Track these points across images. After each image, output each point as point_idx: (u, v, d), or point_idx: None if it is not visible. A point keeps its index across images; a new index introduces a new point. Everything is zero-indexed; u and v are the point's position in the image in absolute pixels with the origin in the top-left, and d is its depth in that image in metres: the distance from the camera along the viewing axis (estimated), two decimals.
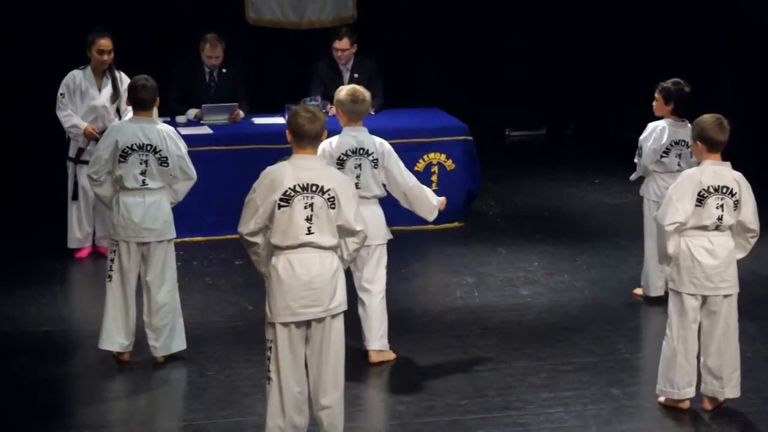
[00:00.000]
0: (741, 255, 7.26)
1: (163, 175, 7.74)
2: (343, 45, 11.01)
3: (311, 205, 6.37)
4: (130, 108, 9.78)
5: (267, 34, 12.76)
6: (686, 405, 7.25)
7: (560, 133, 14.36)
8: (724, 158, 7.19)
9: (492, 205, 11.59)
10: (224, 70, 10.92)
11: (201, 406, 7.34)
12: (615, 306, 9.01)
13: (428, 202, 7.95)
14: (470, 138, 10.91)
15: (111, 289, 7.82)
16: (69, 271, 9.82)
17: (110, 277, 7.81)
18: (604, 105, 13.85)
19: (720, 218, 7.07)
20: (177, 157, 7.76)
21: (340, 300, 6.49)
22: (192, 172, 7.91)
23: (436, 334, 8.48)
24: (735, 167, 7.20)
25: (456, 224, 10.88)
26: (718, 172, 7.09)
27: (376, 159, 7.83)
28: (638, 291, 9.18)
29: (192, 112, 10.77)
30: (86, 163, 9.85)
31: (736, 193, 7.07)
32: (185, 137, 10.19)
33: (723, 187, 7.06)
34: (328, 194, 6.39)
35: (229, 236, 9.77)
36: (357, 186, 7.51)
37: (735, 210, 7.08)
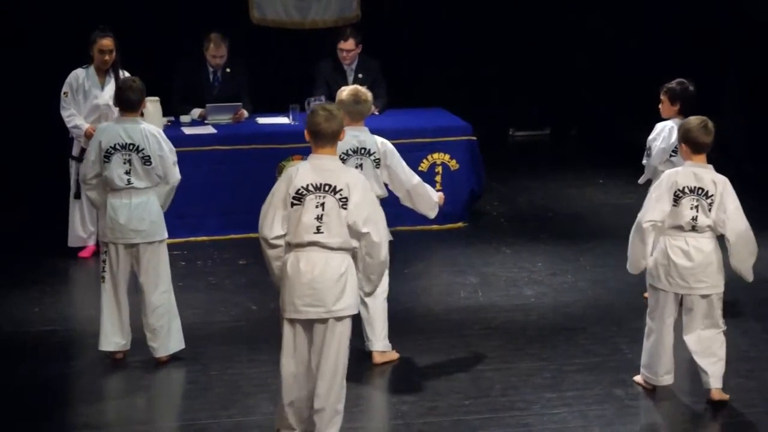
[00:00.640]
0: (750, 258, 7.26)
1: (149, 174, 7.73)
2: (348, 45, 11.01)
3: (323, 204, 6.38)
4: None
5: (271, 34, 12.77)
6: (655, 388, 7.48)
7: (564, 134, 14.35)
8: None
9: (496, 205, 11.59)
10: (228, 70, 10.92)
11: (204, 405, 7.35)
12: (618, 307, 9.01)
13: (430, 199, 7.99)
14: (474, 138, 10.91)
15: (104, 291, 7.86)
16: (71, 271, 9.82)
17: (103, 278, 7.87)
18: (608, 105, 13.83)
19: (694, 218, 7.15)
20: (158, 156, 7.74)
21: (346, 303, 6.46)
22: (171, 177, 7.81)
23: (440, 334, 8.48)
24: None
25: (459, 224, 10.88)
26: (697, 173, 7.19)
27: (378, 159, 7.84)
28: (647, 294, 9.19)
29: (196, 112, 10.78)
30: None
31: (712, 195, 7.14)
32: (189, 137, 10.31)
33: (698, 188, 7.16)
34: (341, 194, 6.39)
35: (233, 236, 9.80)
36: None
37: (710, 212, 7.14)
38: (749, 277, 7.33)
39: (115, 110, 9.73)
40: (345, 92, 7.80)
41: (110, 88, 9.80)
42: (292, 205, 6.38)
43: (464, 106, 11.95)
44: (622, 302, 9.09)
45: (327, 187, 6.39)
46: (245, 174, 10.38)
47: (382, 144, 7.88)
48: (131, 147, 7.68)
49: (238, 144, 10.49)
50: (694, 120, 7.26)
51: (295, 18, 12.80)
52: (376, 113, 10.87)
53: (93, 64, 9.80)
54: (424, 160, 10.71)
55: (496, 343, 8.30)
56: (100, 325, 7.86)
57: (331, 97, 10.17)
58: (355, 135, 7.80)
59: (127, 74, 9.85)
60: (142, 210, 7.72)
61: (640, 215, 7.32)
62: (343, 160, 7.73)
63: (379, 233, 6.48)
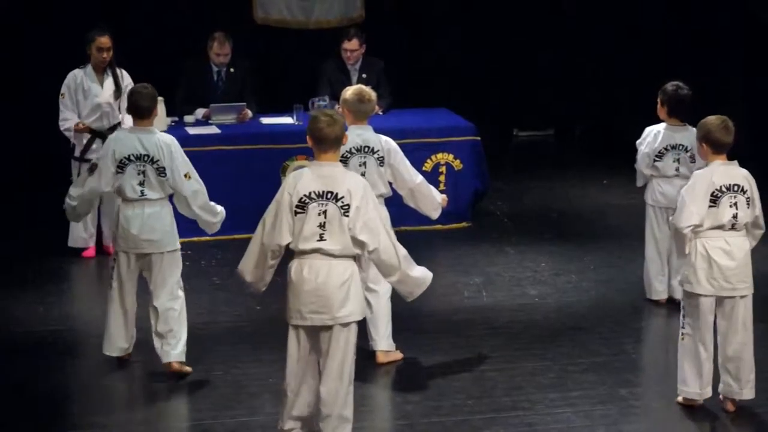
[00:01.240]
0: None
1: (163, 185, 7.63)
2: (352, 45, 11.01)
3: (325, 212, 6.37)
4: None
5: (275, 33, 12.77)
6: (700, 403, 7.25)
7: (568, 134, 14.35)
8: (731, 158, 7.18)
9: (500, 205, 11.59)
10: (232, 70, 10.92)
11: (208, 406, 7.35)
12: (623, 306, 9.01)
13: (433, 199, 8.00)
14: (478, 138, 10.90)
15: (112, 299, 7.80)
16: (74, 271, 9.83)
17: (110, 285, 7.80)
18: (612, 105, 13.83)
19: (735, 216, 7.06)
20: (170, 168, 7.59)
21: (351, 309, 6.44)
22: (181, 189, 7.60)
23: (444, 334, 8.48)
24: (742, 167, 7.20)
25: (463, 224, 10.89)
26: (727, 171, 7.09)
27: (382, 157, 7.85)
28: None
29: (200, 112, 10.78)
30: (90, 161, 9.89)
31: (747, 190, 7.08)
32: (193, 137, 10.31)
33: (734, 185, 7.06)
34: (342, 201, 6.38)
35: (236, 236, 9.79)
36: None
37: (749, 207, 7.09)
38: None
39: (116, 108, 9.85)
40: (349, 92, 7.82)
41: (109, 86, 9.82)
42: (296, 213, 6.38)
43: (468, 106, 11.96)
44: (627, 302, 9.08)
45: (329, 195, 6.39)
46: (249, 174, 10.38)
47: (385, 142, 7.88)
48: (146, 158, 7.57)
49: (242, 144, 10.49)
50: (713, 119, 7.13)
51: (299, 18, 12.80)
52: (380, 113, 10.87)
53: (90, 62, 9.81)
54: (428, 160, 10.70)
55: (500, 343, 8.30)
56: (105, 330, 7.84)
57: (335, 97, 10.17)
58: (359, 133, 7.80)
59: (124, 72, 9.89)
60: (154, 220, 7.64)
61: (675, 221, 7.15)
62: (347, 158, 7.74)
63: (379, 239, 6.44)
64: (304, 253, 6.40)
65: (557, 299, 9.15)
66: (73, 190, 7.84)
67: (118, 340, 7.82)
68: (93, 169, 7.69)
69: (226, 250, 10.03)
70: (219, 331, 8.52)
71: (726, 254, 7.08)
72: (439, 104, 11.63)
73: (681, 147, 8.73)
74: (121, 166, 7.59)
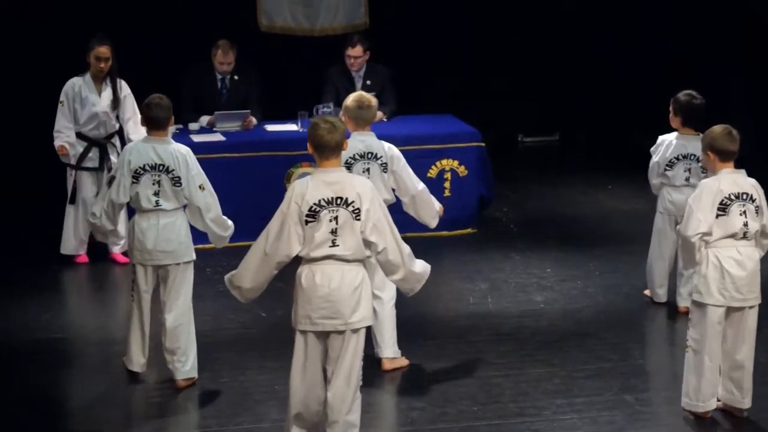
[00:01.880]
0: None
1: (178, 195, 7.61)
2: (356, 52, 11.01)
3: (336, 218, 6.37)
4: (131, 119, 9.88)
5: (279, 40, 12.77)
6: (708, 415, 7.22)
7: (573, 139, 14.35)
8: (738, 167, 7.16)
9: (505, 211, 11.58)
10: (236, 77, 10.93)
11: (214, 413, 7.34)
12: (628, 312, 9.00)
13: (432, 207, 8.02)
14: (482, 144, 10.90)
15: (132, 311, 7.76)
16: (74, 278, 9.85)
17: (132, 297, 7.77)
18: (617, 111, 13.82)
19: (745, 224, 7.03)
20: (185, 178, 7.58)
21: (362, 315, 6.45)
22: (195, 199, 7.59)
23: (450, 340, 8.47)
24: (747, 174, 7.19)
25: (469, 230, 10.88)
26: (736, 179, 7.06)
27: (385, 163, 7.86)
28: (647, 292, 9.19)
29: (205, 119, 10.79)
30: (86, 169, 9.90)
31: (756, 199, 7.05)
32: (198, 144, 10.31)
33: (743, 193, 7.03)
34: (353, 206, 6.38)
35: (241, 243, 9.73)
36: None
37: (758, 215, 7.06)
38: None
39: (114, 118, 9.88)
40: (350, 99, 7.83)
41: (107, 95, 9.85)
42: (307, 222, 6.38)
43: (473, 112, 11.95)
44: (633, 308, 9.07)
45: (339, 200, 6.38)
46: (254, 181, 10.39)
47: (389, 148, 7.89)
48: (161, 168, 7.55)
49: (247, 151, 10.49)
50: (717, 128, 7.11)
51: (304, 25, 12.80)
52: (385, 120, 10.87)
53: (89, 71, 9.83)
54: (433, 167, 10.70)
55: (506, 349, 8.29)
56: (127, 345, 7.79)
57: (340, 104, 10.17)
58: (362, 140, 7.81)
59: (123, 83, 9.90)
60: (169, 231, 7.60)
61: (682, 229, 7.08)
62: (350, 165, 7.74)
63: (386, 239, 6.48)
64: (315, 260, 6.40)
65: (563, 305, 9.14)
66: (95, 208, 7.79)
67: (136, 355, 7.78)
68: (111, 181, 7.69)
69: (232, 257, 9.97)
70: (225, 338, 8.52)
71: (738, 264, 7.04)
72: (443, 110, 11.63)
73: (692, 157, 8.71)
74: (136, 176, 7.57)
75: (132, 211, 7.89)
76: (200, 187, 7.64)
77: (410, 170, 7.96)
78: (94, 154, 9.87)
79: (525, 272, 9.85)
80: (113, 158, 9.76)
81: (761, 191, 7.12)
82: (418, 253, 6.85)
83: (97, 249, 9.93)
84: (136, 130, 9.70)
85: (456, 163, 10.79)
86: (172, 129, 10.27)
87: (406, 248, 6.61)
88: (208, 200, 7.67)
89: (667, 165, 8.78)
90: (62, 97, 9.84)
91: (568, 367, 7.98)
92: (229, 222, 7.82)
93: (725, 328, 7.15)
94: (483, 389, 7.66)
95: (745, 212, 7.03)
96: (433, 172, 10.67)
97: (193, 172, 7.62)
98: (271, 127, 10.84)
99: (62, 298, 9.47)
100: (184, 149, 7.67)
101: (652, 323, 8.96)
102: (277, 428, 6.96)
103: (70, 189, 9.93)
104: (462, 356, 8.18)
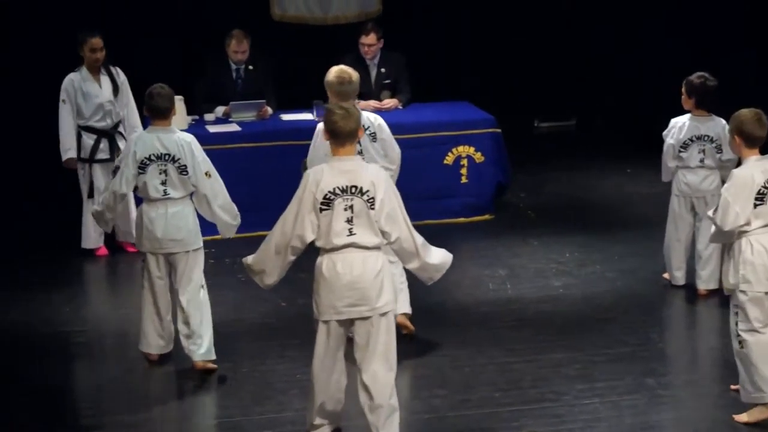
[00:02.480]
0: None
1: (185, 183, 7.64)
2: (369, 40, 10.99)
3: (351, 206, 6.38)
4: (128, 104, 9.92)
5: (292, 29, 12.76)
6: None
7: (590, 124, 14.30)
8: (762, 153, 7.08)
9: (522, 196, 11.56)
10: (250, 67, 10.93)
11: (236, 403, 7.36)
12: (648, 296, 8.98)
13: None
14: (499, 130, 10.88)
15: (144, 299, 7.82)
16: (95, 271, 9.87)
17: (143, 285, 7.82)
18: (634, 94, 13.78)
19: None
20: (192, 166, 7.61)
21: (387, 299, 6.46)
22: (201, 187, 7.63)
23: (469, 327, 8.47)
24: None
25: (486, 216, 10.87)
26: (765, 167, 6.91)
27: (374, 133, 7.92)
28: (666, 275, 9.17)
29: (220, 110, 10.79)
30: (100, 161, 9.92)
31: None
32: (213, 135, 10.32)
33: None
34: (368, 195, 6.39)
35: (259, 233, 9.75)
36: None
37: None
38: None
39: (118, 105, 9.89)
40: (331, 74, 7.78)
41: (107, 84, 9.89)
42: (321, 210, 6.39)
43: (489, 97, 11.93)
44: (652, 292, 9.05)
45: (354, 189, 6.39)
46: (270, 171, 10.38)
47: (375, 118, 8.00)
48: (167, 157, 7.58)
49: (263, 141, 10.50)
50: (747, 112, 6.95)
51: (317, 14, 12.79)
52: (400, 107, 10.86)
53: (84, 64, 9.85)
54: (449, 154, 10.69)
55: (526, 335, 8.29)
56: (141, 330, 7.86)
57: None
58: None
59: (119, 70, 9.93)
60: (178, 219, 7.65)
61: (720, 222, 6.89)
62: None
63: (400, 229, 6.48)
64: (335, 249, 6.40)
65: (582, 290, 9.12)
66: (101, 197, 7.87)
67: (152, 338, 7.84)
68: (115, 172, 7.72)
69: (250, 246, 9.98)
70: (245, 328, 8.53)
71: None
72: (458, 97, 11.61)
73: (707, 138, 8.69)
74: (142, 167, 7.60)
75: (139, 200, 7.92)
76: (206, 174, 7.67)
77: (393, 138, 8.07)
78: (104, 145, 9.90)
79: (543, 257, 9.84)
80: (122, 146, 9.79)
81: None
82: (436, 241, 6.85)
83: (113, 240, 10.00)
84: (133, 115, 9.94)
85: (472, 149, 10.77)
86: (188, 119, 10.41)
87: (420, 238, 6.62)
88: (215, 187, 7.70)
89: (681, 147, 8.75)
90: (63, 95, 9.86)
91: (589, 351, 7.97)
92: (236, 210, 7.83)
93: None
94: (503, 375, 7.65)
95: None
96: (449, 159, 10.66)
97: (199, 160, 7.64)
98: (286, 117, 10.84)
99: (84, 291, 9.49)
100: (188, 137, 7.70)
101: (671, 307, 8.94)
102: (299, 417, 6.97)
103: (86, 184, 9.94)
104: (482, 343, 8.18)
